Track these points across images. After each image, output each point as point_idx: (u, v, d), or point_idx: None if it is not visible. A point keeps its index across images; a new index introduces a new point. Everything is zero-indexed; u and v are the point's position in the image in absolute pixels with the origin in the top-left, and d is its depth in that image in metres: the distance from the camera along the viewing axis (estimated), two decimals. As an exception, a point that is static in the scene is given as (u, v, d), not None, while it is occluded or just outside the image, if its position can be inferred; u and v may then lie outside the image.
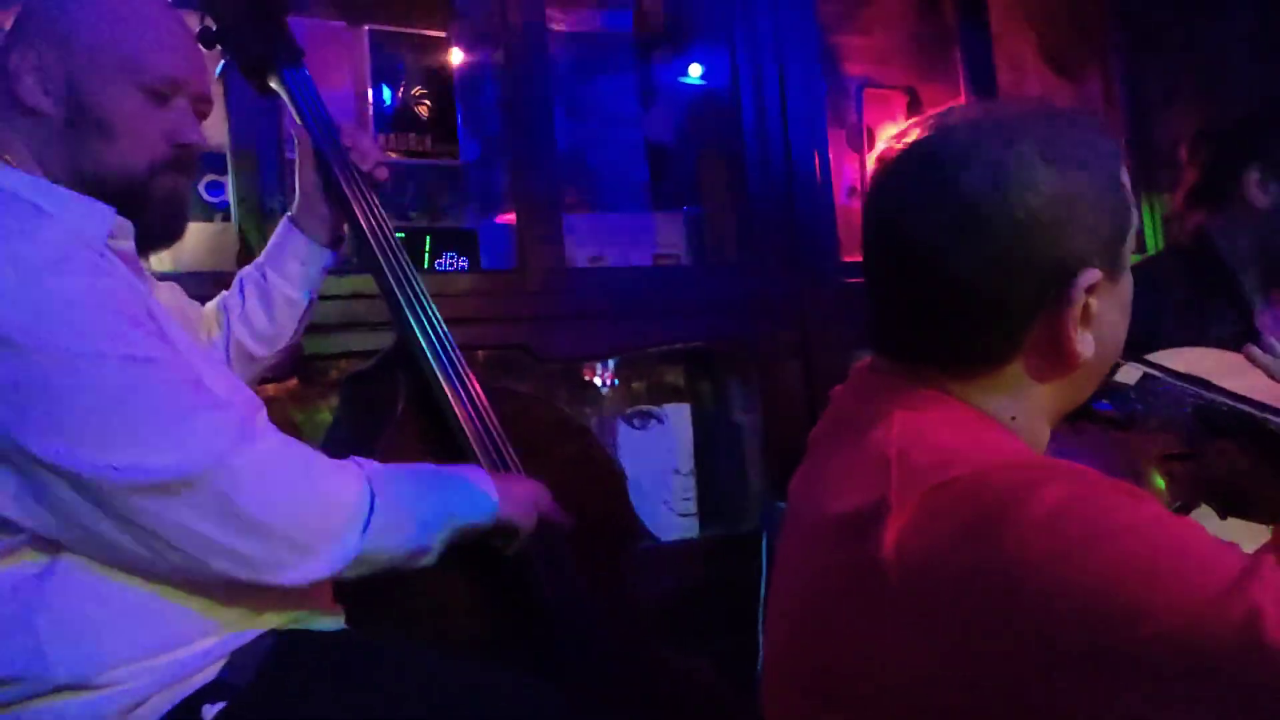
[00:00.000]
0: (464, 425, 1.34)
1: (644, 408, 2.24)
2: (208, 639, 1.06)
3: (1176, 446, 1.06)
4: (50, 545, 1.01)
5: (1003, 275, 0.77)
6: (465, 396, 1.36)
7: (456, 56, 2.19)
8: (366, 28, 2.09)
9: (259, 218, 1.76)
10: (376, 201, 1.41)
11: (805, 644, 0.81)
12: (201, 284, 1.65)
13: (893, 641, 0.73)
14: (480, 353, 1.96)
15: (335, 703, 1.07)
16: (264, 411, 1.20)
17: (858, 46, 2.61)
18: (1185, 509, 1.06)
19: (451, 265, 2.07)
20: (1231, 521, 1.03)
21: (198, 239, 1.75)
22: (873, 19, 2.62)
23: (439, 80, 2.15)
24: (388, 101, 2.10)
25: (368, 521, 1.07)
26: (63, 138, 1.11)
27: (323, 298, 1.47)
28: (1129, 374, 1.05)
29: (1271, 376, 1.08)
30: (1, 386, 0.96)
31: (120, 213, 1.12)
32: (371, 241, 1.38)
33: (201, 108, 1.20)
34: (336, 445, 1.46)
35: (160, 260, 1.26)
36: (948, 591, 0.70)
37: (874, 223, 0.83)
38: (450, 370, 1.36)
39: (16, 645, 0.99)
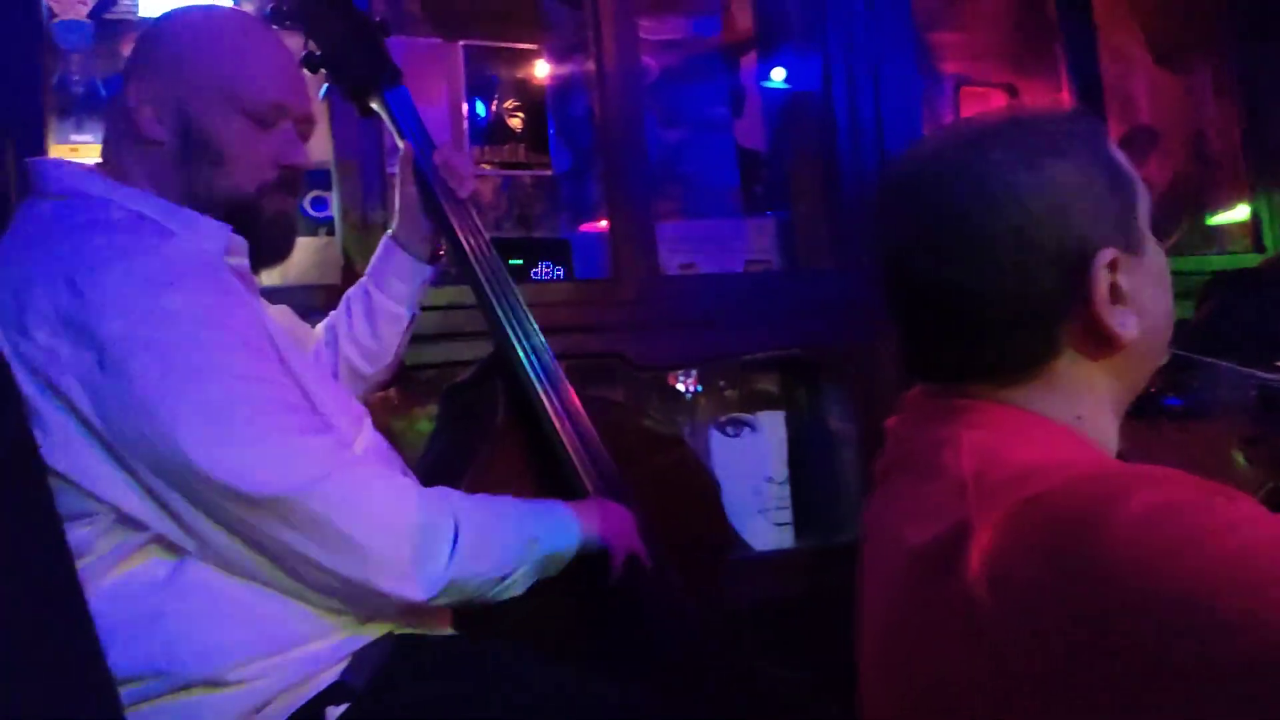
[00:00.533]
0: (562, 436, 1.35)
1: (737, 415, 2.22)
2: (330, 638, 1.10)
3: (1250, 429, 1.07)
4: (176, 546, 1.06)
5: (1019, 280, 0.77)
6: (563, 407, 1.37)
7: (548, 69, 2.22)
8: (461, 43, 2.13)
9: (361, 231, 1.80)
10: (474, 215, 1.43)
11: (898, 675, 0.79)
12: (307, 297, 1.71)
13: (988, 665, 0.70)
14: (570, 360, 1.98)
15: (451, 709, 1.09)
16: (369, 420, 1.24)
17: (954, 43, 2.55)
18: (1278, 490, 1.06)
19: (547, 275, 2.09)
20: None
21: (303, 253, 1.81)
22: (970, 15, 2.55)
23: (531, 92, 2.17)
24: (482, 115, 2.14)
25: (454, 548, 1.09)
26: (178, 164, 1.16)
27: (421, 308, 1.50)
28: (1188, 367, 1.06)
29: None
30: (112, 395, 1.00)
31: (234, 232, 1.17)
32: (469, 255, 1.40)
33: (305, 129, 1.25)
34: (437, 455, 1.49)
35: (268, 275, 1.30)
36: (1041, 609, 0.68)
37: (882, 261, 0.85)
38: (548, 380, 1.37)
39: (147, 642, 1.03)
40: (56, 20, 1.82)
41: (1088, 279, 0.77)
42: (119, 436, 1.01)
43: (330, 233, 1.88)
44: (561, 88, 2.27)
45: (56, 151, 1.75)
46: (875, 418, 2.10)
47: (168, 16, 1.25)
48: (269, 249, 1.23)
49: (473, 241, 1.41)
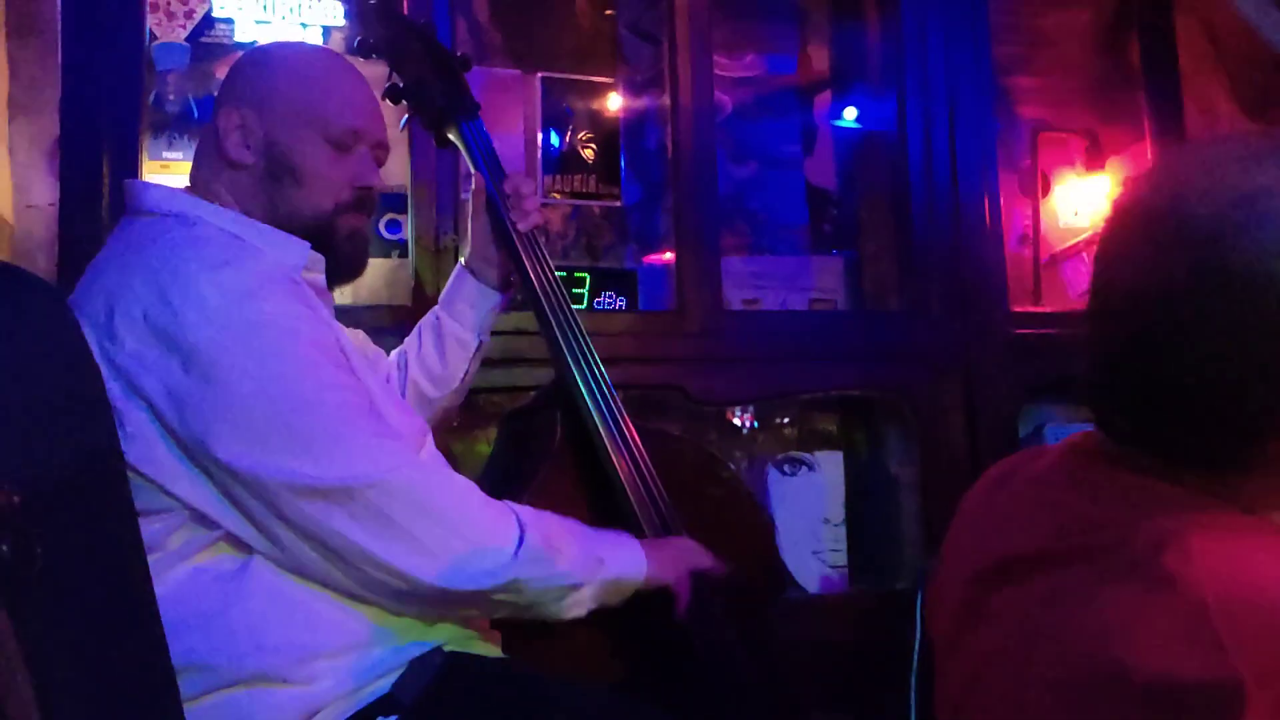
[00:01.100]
0: (618, 467, 1.36)
1: (794, 453, 2.21)
2: (385, 644, 1.13)
3: None
4: (244, 545, 1.10)
5: None
6: (620, 439, 1.37)
7: (621, 101, 2.25)
8: (539, 75, 2.18)
9: (433, 254, 1.84)
10: (541, 244, 1.46)
11: None
12: (377, 316, 1.75)
13: None
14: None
15: None
16: (430, 438, 1.29)
17: (1033, 88, 2.52)
18: None
19: (611, 304, 2.11)
20: None
21: (375, 273, 1.86)
22: (1050, 60, 2.52)
23: (604, 124, 2.21)
24: (555, 145, 2.17)
25: (518, 550, 1.12)
26: (261, 185, 1.23)
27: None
28: None
29: None
30: (195, 397, 1.06)
31: (312, 249, 1.23)
32: (534, 284, 1.43)
33: (379, 154, 1.32)
34: (494, 478, 1.50)
35: (341, 294, 1.35)
36: None
37: (1113, 295, 0.72)
38: (606, 412, 1.38)
39: (210, 635, 1.07)
40: (156, 43, 1.91)
41: None
42: (195, 437, 1.05)
43: (403, 255, 1.93)
44: (635, 121, 2.31)
45: (149, 167, 1.83)
46: (938, 465, 2.08)
47: (262, 50, 1.39)
48: (344, 265, 1.29)
49: (538, 270, 1.43)
